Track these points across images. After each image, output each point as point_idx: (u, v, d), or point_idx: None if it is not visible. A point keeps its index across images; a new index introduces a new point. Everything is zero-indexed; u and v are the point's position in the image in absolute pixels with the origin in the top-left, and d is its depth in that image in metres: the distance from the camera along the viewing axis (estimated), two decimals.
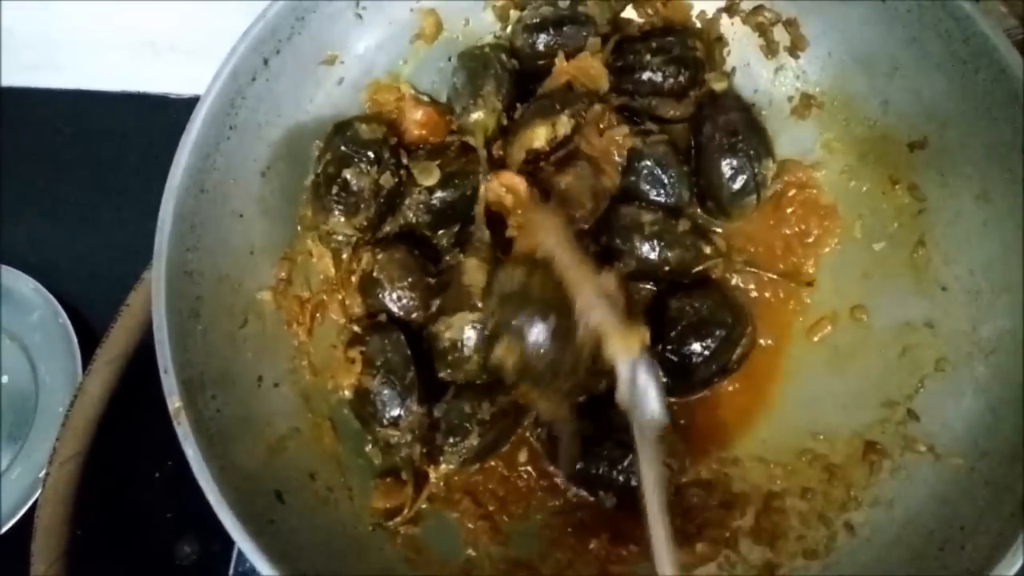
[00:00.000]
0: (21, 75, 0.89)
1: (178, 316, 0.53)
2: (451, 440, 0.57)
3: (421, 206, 0.62)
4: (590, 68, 0.64)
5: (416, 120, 0.66)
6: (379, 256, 0.61)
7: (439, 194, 0.62)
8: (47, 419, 0.74)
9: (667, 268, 0.62)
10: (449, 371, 0.59)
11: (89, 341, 0.74)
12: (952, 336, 0.58)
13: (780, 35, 0.66)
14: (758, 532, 0.57)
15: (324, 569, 0.52)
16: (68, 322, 0.75)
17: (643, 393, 0.51)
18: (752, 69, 0.67)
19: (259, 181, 0.61)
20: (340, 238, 0.61)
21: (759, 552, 0.57)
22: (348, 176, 0.59)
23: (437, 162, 0.62)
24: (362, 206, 0.59)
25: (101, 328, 0.64)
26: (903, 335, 0.60)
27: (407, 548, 0.57)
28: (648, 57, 0.64)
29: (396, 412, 0.56)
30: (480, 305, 0.57)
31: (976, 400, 0.56)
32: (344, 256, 0.63)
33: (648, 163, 0.63)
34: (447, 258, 0.61)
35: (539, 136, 0.61)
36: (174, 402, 0.50)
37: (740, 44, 0.67)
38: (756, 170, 0.62)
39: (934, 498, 0.54)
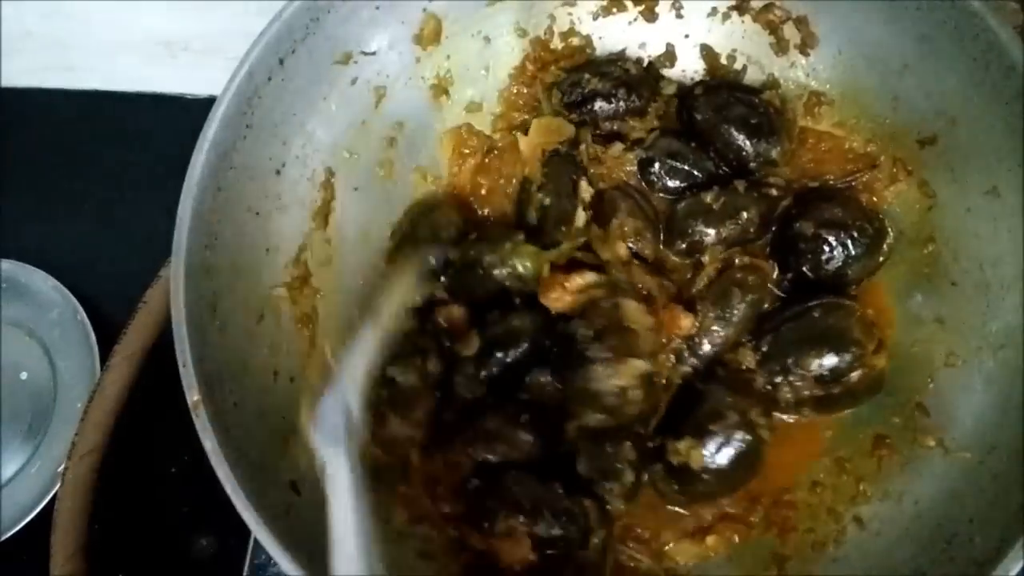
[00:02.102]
0: (39, 76, 0.90)
1: (196, 312, 0.53)
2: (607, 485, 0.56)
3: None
4: (550, 126, 0.66)
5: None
6: None
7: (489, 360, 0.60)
8: (66, 414, 0.75)
9: (752, 230, 0.62)
10: (601, 416, 0.56)
11: (107, 337, 0.75)
12: (962, 331, 0.58)
13: (790, 33, 0.66)
14: (767, 525, 0.58)
15: None
16: (86, 319, 0.77)
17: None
18: (762, 67, 0.68)
19: (275, 179, 0.61)
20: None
21: (768, 544, 0.57)
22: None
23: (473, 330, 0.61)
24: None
25: (118, 325, 0.65)
26: (913, 330, 0.60)
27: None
28: (595, 84, 0.65)
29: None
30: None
31: (985, 395, 0.56)
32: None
33: (658, 162, 0.64)
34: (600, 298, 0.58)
35: (580, 218, 0.63)
36: (193, 395, 0.50)
37: (750, 42, 0.67)
38: (762, 110, 0.63)
39: (943, 492, 0.54)
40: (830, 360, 0.57)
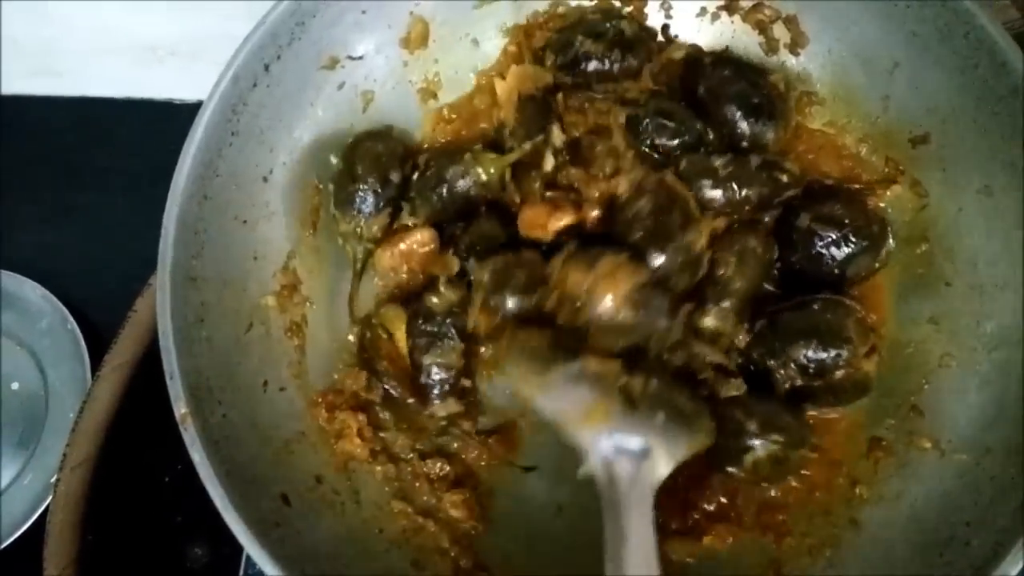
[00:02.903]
0: (24, 83, 0.89)
1: (183, 322, 0.53)
2: None
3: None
4: (526, 72, 0.65)
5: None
6: None
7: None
8: (57, 425, 0.74)
9: (747, 208, 0.60)
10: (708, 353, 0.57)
11: (97, 347, 0.75)
12: (956, 332, 0.58)
13: (780, 32, 0.65)
14: (763, 529, 0.57)
15: (331, 572, 0.52)
16: (76, 328, 0.76)
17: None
18: (727, 50, 0.67)
19: (261, 187, 0.61)
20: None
21: (764, 549, 0.57)
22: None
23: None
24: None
25: (109, 334, 0.65)
26: (907, 331, 0.60)
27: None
28: (588, 46, 0.64)
29: None
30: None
31: (980, 396, 0.55)
32: None
33: (648, 119, 0.62)
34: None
35: (548, 162, 0.62)
36: (180, 408, 0.50)
37: (740, 41, 0.67)
38: (765, 91, 0.62)
39: (939, 494, 0.54)
40: (818, 353, 0.56)
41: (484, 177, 0.62)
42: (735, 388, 0.56)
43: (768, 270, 0.61)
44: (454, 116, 0.69)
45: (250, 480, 0.51)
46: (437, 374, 0.61)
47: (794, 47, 0.65)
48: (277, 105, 0.61)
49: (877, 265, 0.61)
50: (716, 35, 0.67)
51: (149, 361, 0.63)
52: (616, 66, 0.64)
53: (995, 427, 0.53)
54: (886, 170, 0.62)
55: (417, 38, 0.66)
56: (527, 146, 0.62)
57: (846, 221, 0.59)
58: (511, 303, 0.57)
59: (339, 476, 0.58)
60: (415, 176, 0.64)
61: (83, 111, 0.88)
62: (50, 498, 0.62)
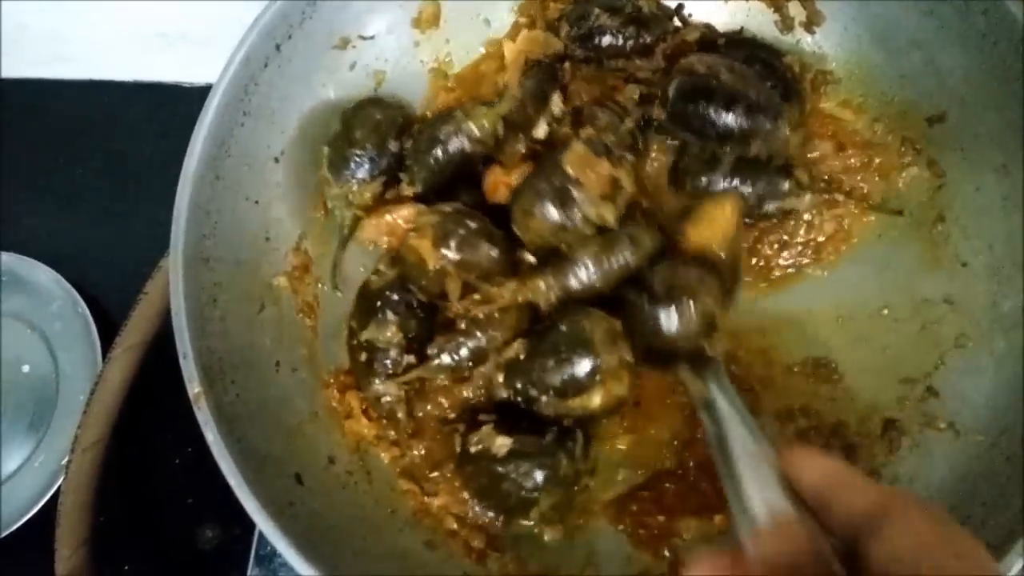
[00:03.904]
0: (34, 67, 0.89)
1: (196, 303, 0.53)
2: None
3: None
4: (537, 38, 0.64)
5: None
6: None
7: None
8: (68, 407, 0.74)
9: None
10: None
11: (108, 329, 0.74)
12: (972, 312, 0.57)
13: (795, 10, 0.65)
14: None
15: (344, 551, 0.52)
16: (87, 311, 0.76)
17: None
18: (742, 30, 0.66)
19: (273, 167, 0.61)
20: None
21: None
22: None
23: None
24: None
25: (119, 316, 0.64)
26: (922, 311, 0.59)
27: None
28: (604, 19, 0.63)
29: None
30: None
31: (996, 376, 0.55)
32: None
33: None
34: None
35: (541, 129, 0.61)
36: (194, 387, 0.50)
37: (755, 20, 0.66)
38: (780, 74, 0.61)
39: (954, 475, 0.54)
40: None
41: (477, 131, 0.61)
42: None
43: None
44: (456, 87, 0.68)
45: (263, 459, 0.51)
46: (373, 351, 0.58)
47: (810, 25, 0.64)
48: (288, 85, 0.61)
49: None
50: (731, 14, 0.67)
51: (160, 343, 0.62)
52: (630, 43, 0.64)
53: (1011, 407, 0.53)
54: (902, 149, 0.62)
55: (428, 18, 0.66)
56: (517, 93, 0.61)
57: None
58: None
59: (351, 457, 0.58)
60: (410, 144, 0.62)
61: (93, 95, 0.88)
62: (61, 480, 0.62)
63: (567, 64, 0.64)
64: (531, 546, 0.57)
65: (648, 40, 0.64)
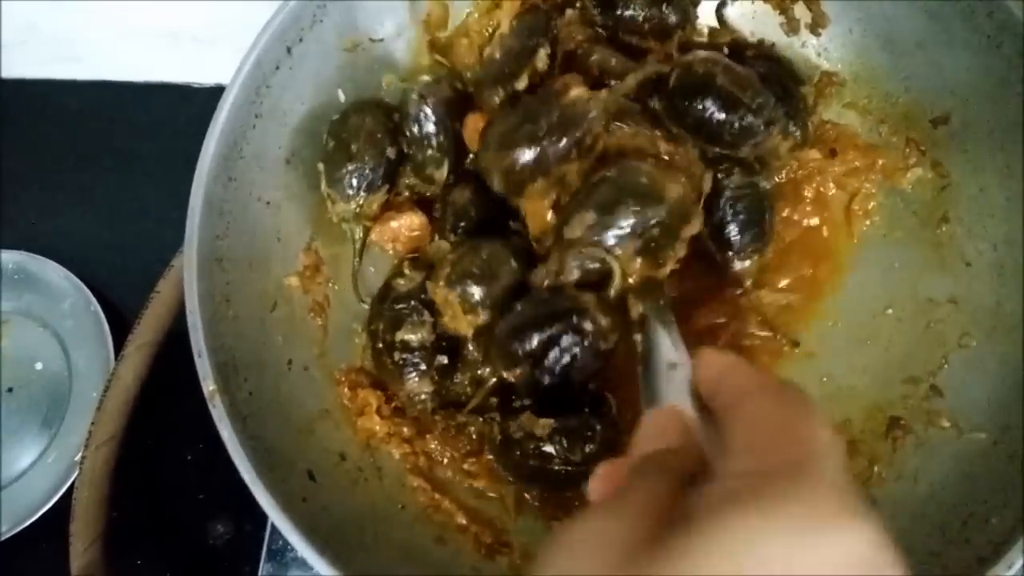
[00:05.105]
0: (45, 67, 0.90)
1: (210, 302, 0.54)
2: None
3: None
4: None
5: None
6: None
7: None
8: (81, 404, 0.75)
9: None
10: None
11: (120, 327, 0.75)
12: (975, 312, 0.58)
13: (801, 12, 0.65)
14: None
15: (355, 546, 0.53)
16: (99, 309, 0.77)
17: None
18: (773, 47, 0.66)
19: (284, 168, 0.62)
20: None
21: None
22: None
23: None
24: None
25: (131, 314, 0.65)
26: (927, 311, 0.60)
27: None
28: None
29: None
30: None
31: (999, 375, 0.56)
32: None
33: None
34: None
35: (522, 82, 0.60)
36: (209, 385, 0.51)
37: (760, 22, 0.67)
38: (795, 103, 0.61)
39: (957, 473, 0.54)
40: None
41: (429, 77, 0.62)
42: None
43: None
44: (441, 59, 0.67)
45: (276, 456, 0.52)
46: (409, 352, 0.59)
47: (815, 27, 0.65)
48: (299, 88, 0.61)
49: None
50: (736, 16, 0.67)
51: (172, 341, 0.63)
52: (652, 22, 0.62)
53: (1014, 406, 0.54)
54: (907, 151, 0.62)
55: (437, 20, 0.66)
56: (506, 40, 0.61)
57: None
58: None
59: (362, 453, 0.59)
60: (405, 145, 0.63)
61: (103, 95, 0.89)
62: (74, 476, 0.62)
63: (567, 12, 0.62)
64: (540, 542, 0.58)
65: (670, 23, 0.62)
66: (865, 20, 0.63)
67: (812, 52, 0.66)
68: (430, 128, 0.62)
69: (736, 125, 0.56)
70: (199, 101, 0.83)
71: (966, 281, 0.59)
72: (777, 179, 0.62)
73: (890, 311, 0.61)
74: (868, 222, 0.64)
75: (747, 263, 0.60)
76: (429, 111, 0.62)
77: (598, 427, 0.56)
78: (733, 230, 0.59)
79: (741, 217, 0.59)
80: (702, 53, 0.58)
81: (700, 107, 0.56)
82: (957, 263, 0.60)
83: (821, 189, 0.64)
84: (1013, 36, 0.54)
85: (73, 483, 0.61)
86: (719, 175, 0.59)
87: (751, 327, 0.61)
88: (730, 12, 0.67)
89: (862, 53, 0.64)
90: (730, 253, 0.60)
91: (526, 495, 0.59)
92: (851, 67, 0.65)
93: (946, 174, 0.61)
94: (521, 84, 0.60)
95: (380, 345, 0.60)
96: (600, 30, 0.63)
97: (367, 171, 0.61)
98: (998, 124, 0.57)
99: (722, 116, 0.56)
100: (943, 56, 0.59)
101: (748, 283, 0.61)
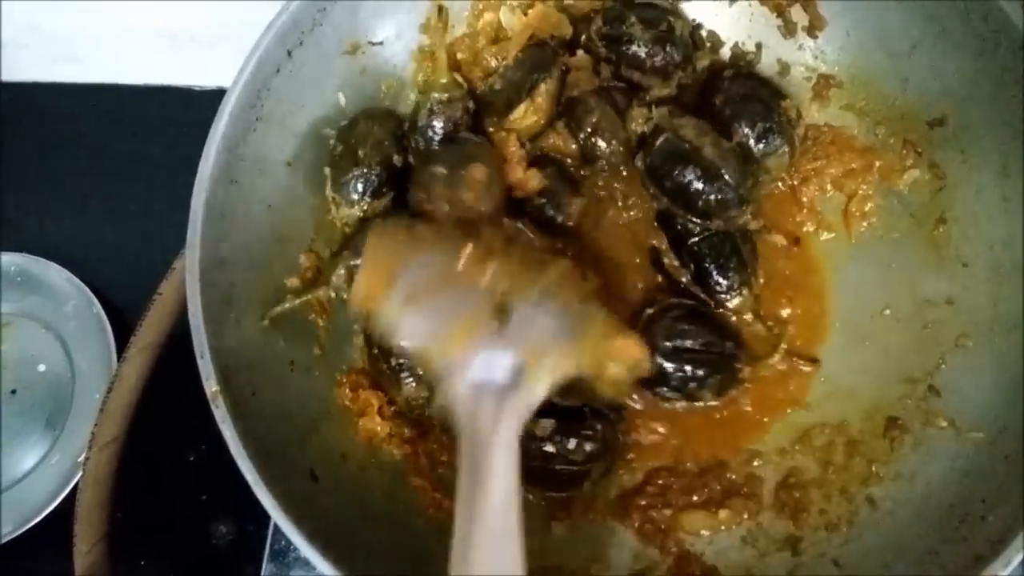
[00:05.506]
0: (45, 70, 0.90)
1: (212, 304, 0.54)
2: None
3: None
4: (550, 16, 0.64)
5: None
6: None
7: None
8: (84, 406, 0.75)
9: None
10: None
11: (122, 329, 0.76)
12: (973, 312, 0.58)
13: (798, 15, 0.66)
14: (780, 506, 0.58)
15: (357, 545, 0.53)
16: (102, 311, 0.77)
17: None
18: (770, 50, 0.67)
19: (285, 171, 0.62)
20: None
21: (781, 526, 0.58)
22: None
23: None
24: None
25: (133, 316, 0.65)
26: (924, 312, 0.60)
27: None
28: (637, 31, 0.63)
29: None
30: None
31: (996, 375, 0.56)
32: None
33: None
34: None
35: (519, 111, 0.62)
36: (211, 386, 0.51)
37: (758, 24, 0.67)
38: (778, 118, 0.61)
39: (955, 472, 0.55)
40: None
41: (444, 95, 0.62)
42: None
43: None
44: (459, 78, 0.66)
45: (279, 457, 0.52)
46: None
47: (812, 30, 0.65)
48: (300, 91, 0.62)
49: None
50: (734, 19, 0.68)
51: (174, 342, 0.63)
52: (654, 60, 0.64)
53: (1010, 406, 0.54)
54: (904, 152, 0.63)
55: (437, 23, 0.66)
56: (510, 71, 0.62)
57: None
58: None
59: (364, 454, 0.59)
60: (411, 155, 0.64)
61: (104, 98, 0.89)
62: (77, 477, 0.63)
63: (579, 54, 0.64)
64: (538, 542, 0.58)
65: (672, 63, 0.64)
66: (862, 22, 0.63)
67: (809, 54, 0.66)
68: (434, 145, 0.63)
69: (713, 198, 0.59)
70: (200, 104, 0.82)
71: (963, 282, 0.59)
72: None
73: (888, 312, 0.62)
74: (865, 223, 0.64)
75: (738, 300, 0.61)
76: (439, 127, 0.62)
77: (598, 427, 0.57)
78: (713, 272, 0.61)
79: (714, 257, 0.61)
80: (692, 120, 0.60)
81: (681, 175, 0.59)
82: (954, 264, 0.60)
83: (817, 192, 0.64)
84: (1009, 38, 0.55)
85: (76, 484, 0.61)
86: (677, 227, 0.62)
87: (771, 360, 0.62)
88: (727, 15, 0.68)
89: (859, 55, 0.64)
90: (720, 296, 0.61)
91: (527, 495, 0.59)
92: (848, 69, 0.65)
93: (943, 175, 0.61)
94: (518, 113, 0.62)
95: (376, 351, 0.60)
96: (606, 83, 0.65)
97: (372, 176, 0.62)
98: (994, 125, 0.57)
99: (700, 186, 0.58)
100: (940, 58, 0.59)
101: (748, 316, 0.62)
